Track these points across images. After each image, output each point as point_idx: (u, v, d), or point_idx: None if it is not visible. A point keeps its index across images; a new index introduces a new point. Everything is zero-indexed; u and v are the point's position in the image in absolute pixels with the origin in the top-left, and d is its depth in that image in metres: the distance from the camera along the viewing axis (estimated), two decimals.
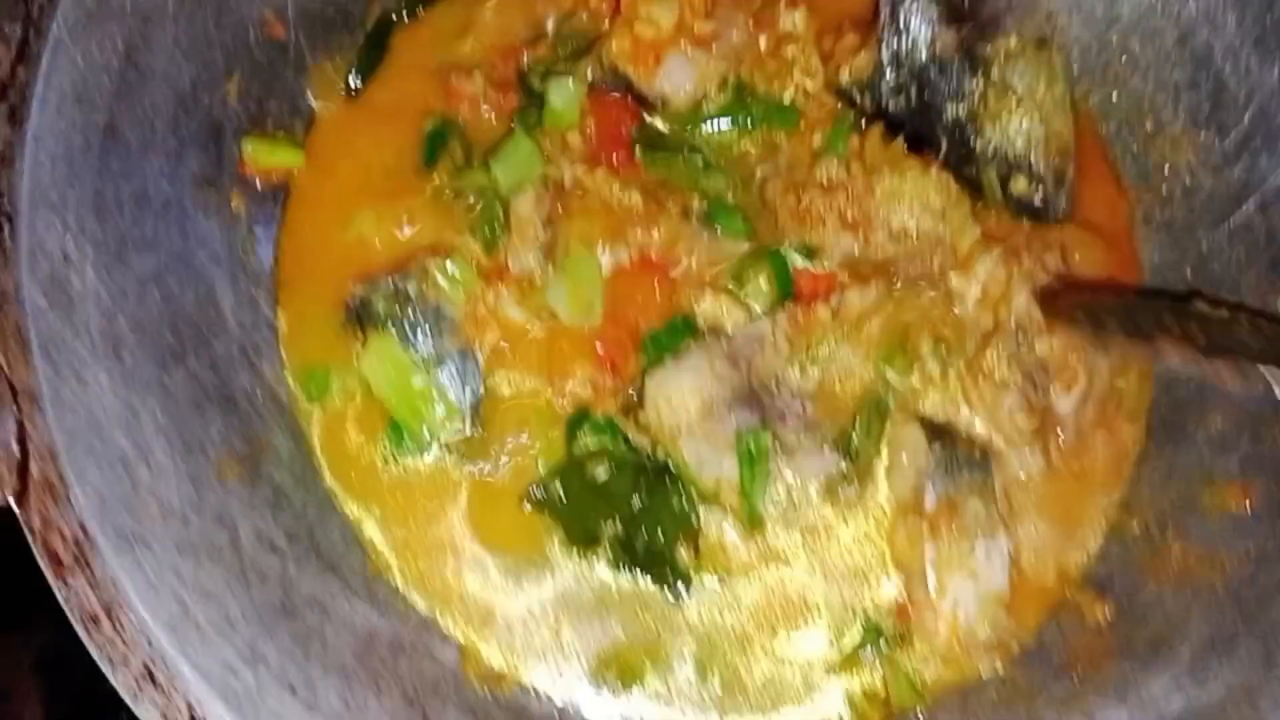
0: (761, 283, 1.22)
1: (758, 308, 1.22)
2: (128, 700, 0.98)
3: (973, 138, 1.25)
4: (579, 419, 1.21)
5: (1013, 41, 1.24)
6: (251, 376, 1.21)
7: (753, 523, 1.18)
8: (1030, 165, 1.25)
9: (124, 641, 0.99)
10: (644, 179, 1.25)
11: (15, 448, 0.99)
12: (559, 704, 1.19)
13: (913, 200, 1.21)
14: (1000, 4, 1.25)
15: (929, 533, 1.15)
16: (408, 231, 1.25)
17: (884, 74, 1.25)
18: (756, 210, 1.26)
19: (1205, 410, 1.21)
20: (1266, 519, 1.14)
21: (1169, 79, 1.28)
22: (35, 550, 0.98)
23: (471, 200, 1.25)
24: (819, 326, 1.21)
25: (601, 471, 1.20)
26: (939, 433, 1.19)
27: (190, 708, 0.99)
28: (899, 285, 1.22)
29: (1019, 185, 1.25)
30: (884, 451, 1.20)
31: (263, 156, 1.24)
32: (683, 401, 1.17)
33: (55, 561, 0.98)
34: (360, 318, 1.22)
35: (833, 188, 1.23)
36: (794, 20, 1.29)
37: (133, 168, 1.12)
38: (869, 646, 1.18)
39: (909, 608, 1.17)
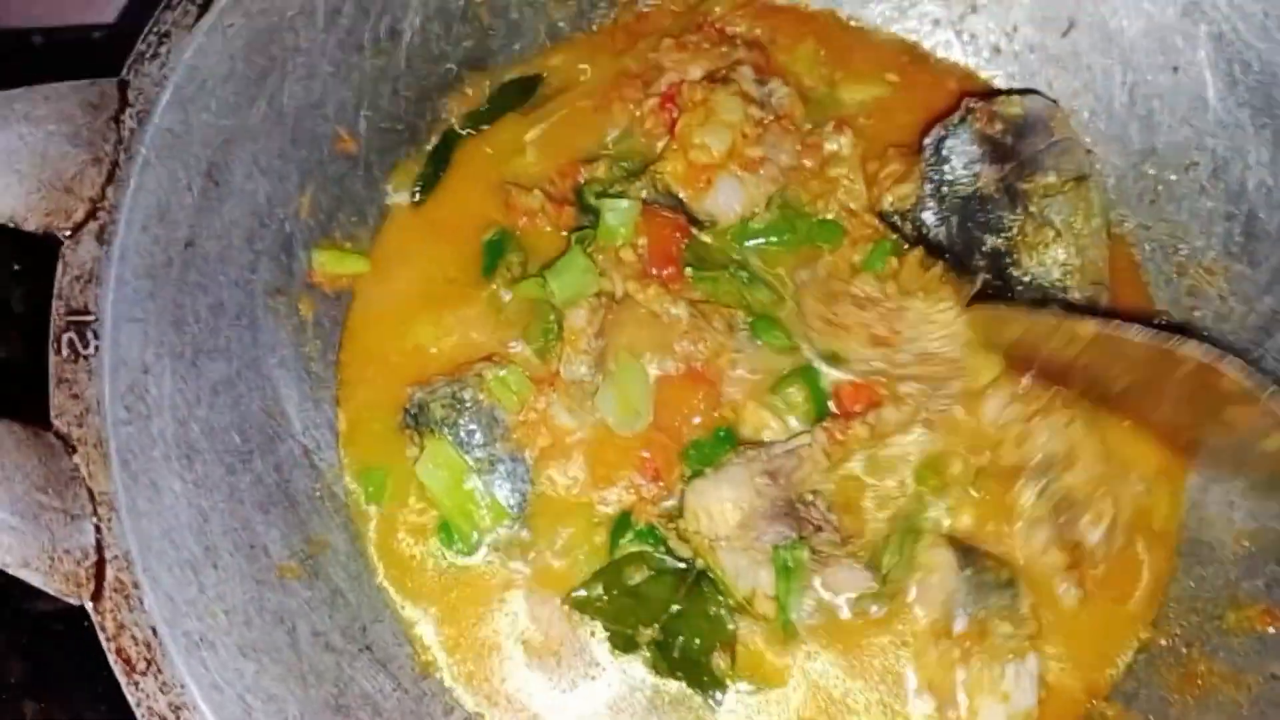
0: (802, 399, 1.26)
1: (798, 423, 1.26)
2: None
3: (1010, 267, 1.29)
4: (622, 523, 1.25)
5: (1052, 178, 1.28)
6: (312, 476, 1.25)
7: (786, 634, 1.21)
8: (1065, 293, 1.28)
9: None
10: (690, 292, 1.30)
11: (93, 553, 1.05)
12: None
13: (942, 328, 1.25)
14: (1041, 144, 1.28)
15: (959, 656, 1.18)
16: (465, 338, 1.30)
17: (926, 205, 1.30)
18: (793, 317, 1.30)
19: (1233, 532, 1.24)
20: None
21: (1203, 209, 1.31)
22: (109, 654, 1.03)
23: (527, 310, 1.29)
24: (857, 443, 1.25)
25: (641, 577, 1.24)
26: (968, 554, 1.22)
27: None
28: (935, 407, 1.26)
29: None
30: (914, 571, 1.23)
31: (331, 265, 1.30)
32: (722, 512, 1.20)
33: (128, 665, 1.03)
34: (417, 421, 1.27)
35: (866, 302, 1.27)
36: (840, 143, 1.34)
37: (210, 280, 1.17)
38: None
39: None
